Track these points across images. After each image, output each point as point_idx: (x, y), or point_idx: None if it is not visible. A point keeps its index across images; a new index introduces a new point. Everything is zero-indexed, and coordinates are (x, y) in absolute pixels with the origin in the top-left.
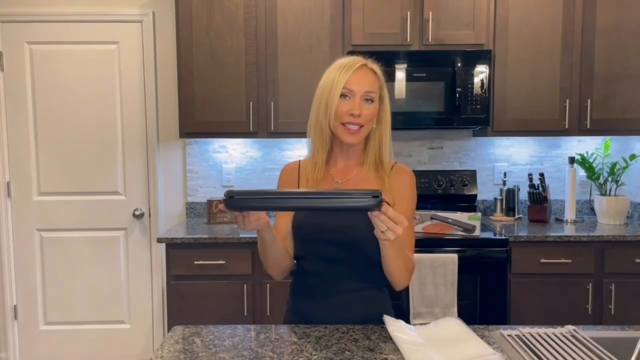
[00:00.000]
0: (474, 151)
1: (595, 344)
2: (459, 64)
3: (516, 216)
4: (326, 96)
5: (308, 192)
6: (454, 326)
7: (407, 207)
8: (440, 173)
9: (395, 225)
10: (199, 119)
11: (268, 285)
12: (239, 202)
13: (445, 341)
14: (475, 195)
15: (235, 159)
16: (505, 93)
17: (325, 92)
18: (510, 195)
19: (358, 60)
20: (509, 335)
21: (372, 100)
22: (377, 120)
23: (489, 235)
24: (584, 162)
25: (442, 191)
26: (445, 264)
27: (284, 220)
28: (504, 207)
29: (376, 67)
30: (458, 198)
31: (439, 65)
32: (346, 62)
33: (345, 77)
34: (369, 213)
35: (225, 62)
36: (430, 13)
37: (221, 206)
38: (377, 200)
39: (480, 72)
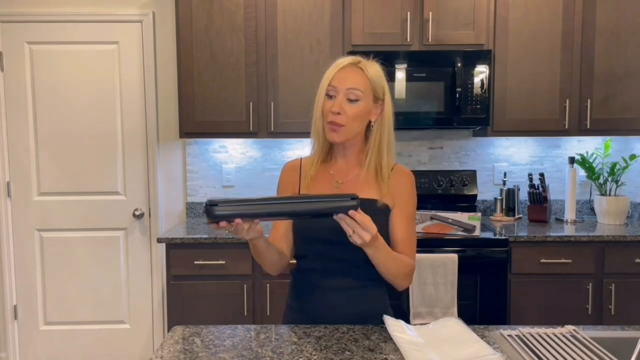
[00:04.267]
0: (474, 151)
1: (595, 344)
2: (459, 64)
3: (516, 216)
4: (318, 94)
5: (286, 198)
6: (454, 326)
7: (407, 209)
8: (440, 173)
9: (361, 230)
10: (199, 119)
11: (268, 285)
12: (219, 211)
13: (445, 341)
14: (475, 195)
15: (235, 159)
16: (505, 93)
17: (319, 91)
18: (510, 195)
19: (349, 59)
20: (509, 335)
21: (357, 99)
22: (376, 122)
23: (489, 235)
24: (584, 162)
25: (442, 191)
26: (445, 264)
27: (282, 221)
28: (504, 207)
29: (370, 67)
30: (458, 198)
31: (439, 65)
32: (338, 61)
33: (331, 74)
34: (334, 216)
35: (225, 63)
36: (430, 13)
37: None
38: (353, 202)
39: (480, 72)
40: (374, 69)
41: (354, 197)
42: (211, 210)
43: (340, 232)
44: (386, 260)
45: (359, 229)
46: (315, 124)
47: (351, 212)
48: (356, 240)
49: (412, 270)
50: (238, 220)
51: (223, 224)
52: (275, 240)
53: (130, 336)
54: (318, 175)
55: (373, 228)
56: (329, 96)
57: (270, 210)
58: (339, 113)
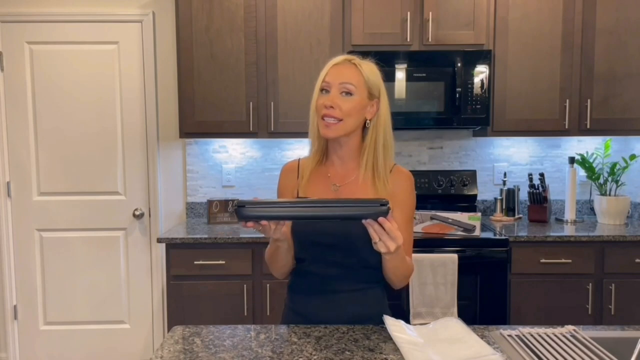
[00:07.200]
0: (474, 151)
1: (595, 344)
2: (459, 64)
3: (516, 216)
4: (314, 93)
5: (316, 201)
6: (454, 326)
7: (406, 210)
8: (440, 173)
9: (388, 239)
10: (199, 119)
11: (268, 285)
12: (248, 212)
13: (445, 341)
14: (475, 195)
15: (235, 159)
16: (505, 93)
17: (314, 90)
18: (510, 195)
19: (344, 56)
20: (509, 335)
21: (350, 93)
22: (372, 121)
23: (489, 235)
24: (584, 162)
25: (442, 191)
26: (445, 264)
27: (286, 224)
28: (504, 207)
29: (364, 64)
30: (458, 198)
31: (439, 65)
32: (333, 60)
33: (325, 71)
34: (363, 220)
35: (225, 63)
36: (430, 13)
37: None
38: (384, 209)
39: (480, 72)
40: (369, 66)
41: (384, 204)
42: (239, 212)
43: (340, 235)
44: (399, 266)
45: (386, 237)
46: (312, 123)
47: (381, 219)
48: (380, 248)
49: (412, 271)
50: (264, 222)
51: (250, 224)
52: None
53: (130, 336)
54: (315, 177)
55: (399, 237)
56: (323, 92)
57: (297, 214)
58: (332, 107)
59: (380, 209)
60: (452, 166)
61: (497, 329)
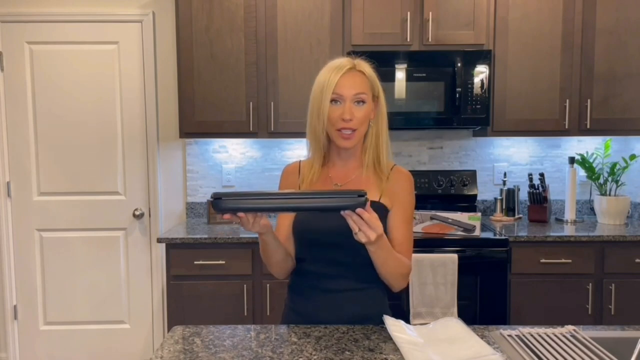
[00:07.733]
0: (474, 151)
1: (595, 344)
2: (459, 64)
3: (516, 216)
4: (318, 101)
5: (294, 193)
6: (454, 326)
7: (406, 210)
8: (440, 173)
9: (368, 229)
10: (199, 119)
11: (268, 285)
12: (225, 203)
13: (445, 341)
14: (475, 195)
15: (235, 159)
16: (505, 93)
17: (317, 97)
18: (510, 195)
19: (346, 62)
20: (509, 335)
21: (363, 102)
22: (374, 119)
23: (489, 235)
24: (584, 162)
25: (442, 191)
26: (445, 264)
27: (285, 223)
28: (504, 207)
29: (366, 67)
30: (458, 198)
31: (439, 65)
32: (335, 65)
33: (334, 81)
34: (342, 212)
35: (225, 63)
36: (430, 13)
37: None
38: (362, 200)
39: (480, 72)
40: (369, 68)
41: (362, 194)
42: (216, 204)
43: (339, 235)
44: (387, 259)
45: (366, 227)
46: (315, 128)
47: (359, 210)
48: (361, 238)
49: (409, 271)
50: (241, 214)
51: (227, 216)
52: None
53: (130, 336)
54: (316, 179)
55: (379, 227)
56: (333, 102)
57: (274, 205)
58: (350, 119)
59: (358, 200)
60: (452, 166)
61: (497, 329)
